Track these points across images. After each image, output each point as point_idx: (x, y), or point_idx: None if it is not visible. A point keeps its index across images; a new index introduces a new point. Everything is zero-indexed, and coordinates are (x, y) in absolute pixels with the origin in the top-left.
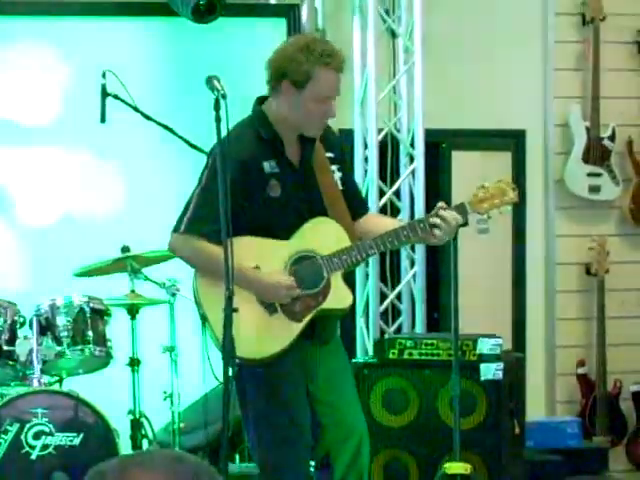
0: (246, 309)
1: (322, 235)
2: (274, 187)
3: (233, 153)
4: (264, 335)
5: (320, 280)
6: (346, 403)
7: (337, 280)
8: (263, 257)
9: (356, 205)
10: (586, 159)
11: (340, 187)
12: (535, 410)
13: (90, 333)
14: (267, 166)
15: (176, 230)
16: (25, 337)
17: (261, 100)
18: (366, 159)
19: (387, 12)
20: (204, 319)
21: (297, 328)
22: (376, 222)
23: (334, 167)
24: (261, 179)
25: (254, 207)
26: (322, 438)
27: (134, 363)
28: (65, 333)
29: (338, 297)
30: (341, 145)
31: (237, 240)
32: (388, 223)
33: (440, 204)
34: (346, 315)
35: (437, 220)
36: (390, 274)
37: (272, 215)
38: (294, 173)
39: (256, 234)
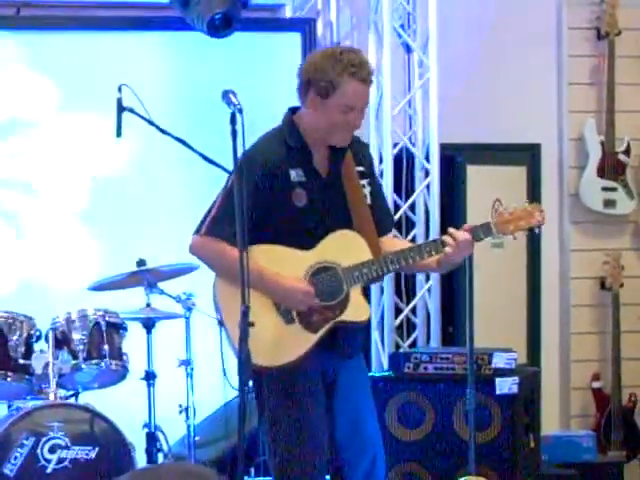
0: (264, 316)
1: (344, 248)
2: (299, 196)
3: (259, 159)
4: (279, 343)
5: (339, 292)
6: (363, 418)
7: (356, 293)
8: (284, 266)
9: (380, 223)
10: (601, 173)
11: (368, 202)
12: (550, 424)
13: (106, 347)
14: (294, 174)
15: (197, 232)
16: (41, 351)
17: (293, 110)
18: (381, 173)
19: (402, 26)
20: (221, 324)
21: (312, 339)
22: (396, 243)
23: (364, 182)
24: (287, 186)
25: (278, 215)
26: (337, 452)
27: (150, 377)
28: (81, 347)
29: (356, 310)
30: (371, 160)
31: (258, 247)
32: (406, 245)
33: (465, 226)
34: (365, 330)
35: (447, 238)
36: (405, 288)
37: (296, 224)
38: (321, 183)
39: (278, 242)
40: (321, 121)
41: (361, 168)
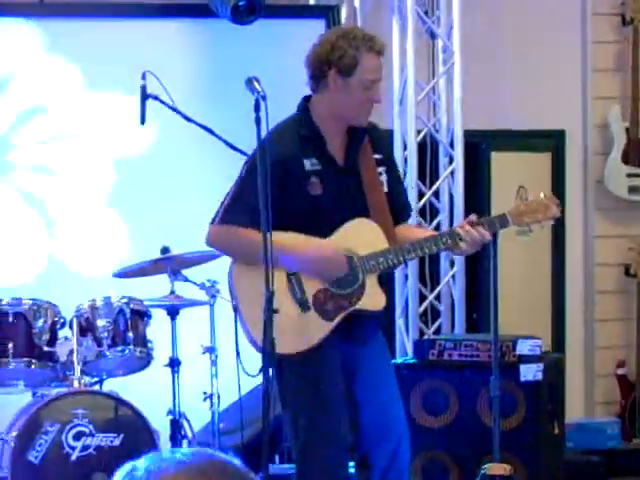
0: (280, 304)
1: (360, 236)
2: (315, 185)
3: (273, 151)
4: (297, 331)
5: (355, 281)
6: (386, 404)
7: (372, 282)
8: None
9: (398, 210)
10: (625, 160)
11: (385, 189)
12: (574, 411)
13: (130, 334)
14: (308, 163)
15: (213, 222)
16: (65, 338)
17: (307, 99)
18: (405, 160)
19: (426, 13)
20: (236, 310)
21: (328, 327)
22: (412, 231)
23: (381, 169)
24: (301, 177)
25: (294, 204)
26: (361, 438)
27: (174, 364)
28: (105, 334)
29: (371, 299)
30: (390, 147)
31: (275, 234)
32: (425, 233)
33: (471, 216)
34: (382, 317)
35: (464, 234)
36: (429, 275)
37: (312, 213)
38: (337, 171)
39: (294, 231)
40: (345, 102)
41: (379, 155)
